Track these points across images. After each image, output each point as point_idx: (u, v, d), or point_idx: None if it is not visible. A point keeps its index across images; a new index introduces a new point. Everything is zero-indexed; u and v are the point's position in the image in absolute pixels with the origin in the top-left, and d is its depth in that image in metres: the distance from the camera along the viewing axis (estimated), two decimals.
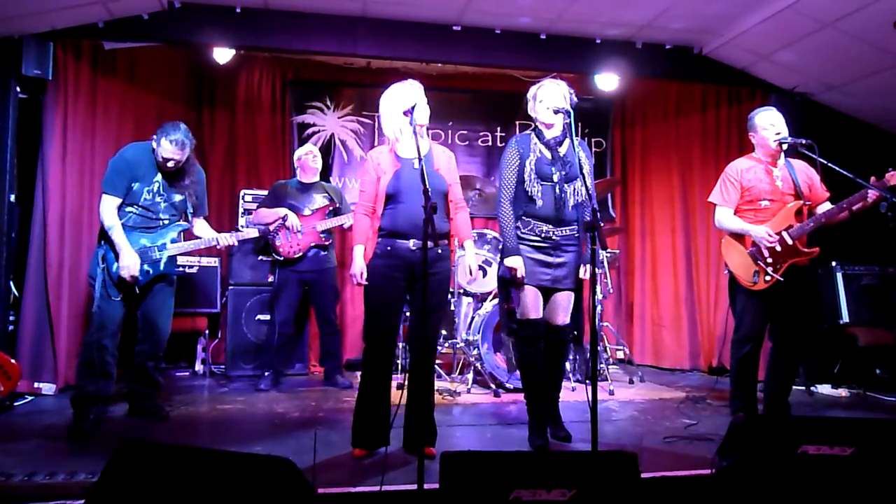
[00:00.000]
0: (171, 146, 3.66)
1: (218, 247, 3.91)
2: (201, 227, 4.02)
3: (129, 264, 3.60)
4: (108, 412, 3.74)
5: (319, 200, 5.01)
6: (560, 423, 3.46)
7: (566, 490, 1.90)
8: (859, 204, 3.44)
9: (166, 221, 3.80)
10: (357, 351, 5.90)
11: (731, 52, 5.21)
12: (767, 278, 3.58)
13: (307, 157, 5.09)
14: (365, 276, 3.11)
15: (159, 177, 3.76)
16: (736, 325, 3.77)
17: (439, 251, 3.14)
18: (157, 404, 3.93)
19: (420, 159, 2.89)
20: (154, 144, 3.71)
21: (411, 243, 3.08)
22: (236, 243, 3.96)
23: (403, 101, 3.15)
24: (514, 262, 3.28)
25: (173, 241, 3.80)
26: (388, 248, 3.10)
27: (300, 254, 4.86)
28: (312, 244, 4.89)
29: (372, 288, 3.12)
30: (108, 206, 3.66)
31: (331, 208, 5.00)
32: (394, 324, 3.16)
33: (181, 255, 4.16)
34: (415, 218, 3.05)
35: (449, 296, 5.33)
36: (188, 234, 3.99)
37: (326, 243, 4.97)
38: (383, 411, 3.16)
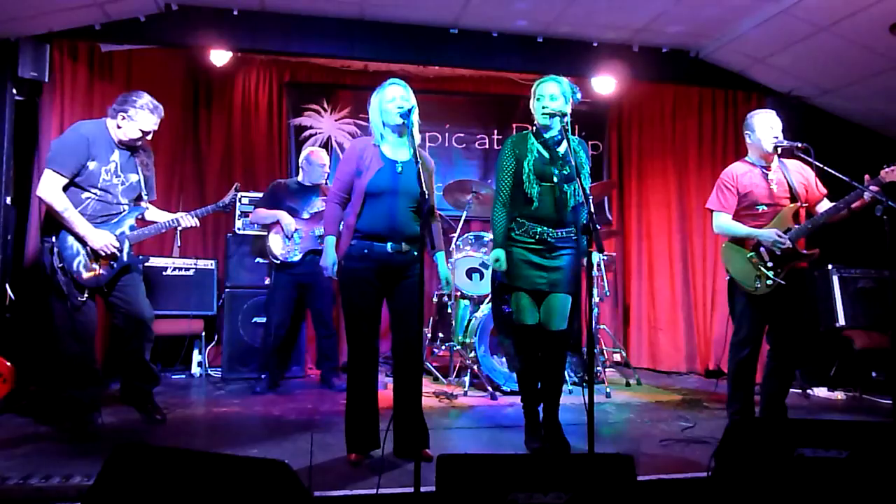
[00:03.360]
0: (152, 116, 3.46)
1: (179, 228, 3.73)
2: (153, 211, 3.77)
3: (103, 241, 3.37)
4: (102, 415, 3.73)
5: (318, 204, 5.00)
6: (559, 433, 3.31)
7: (562, 493, 1.90)
8: (857, 202, 3.43)
9: (125, 208, 3.55)
10: None
11: (727, 56, 5.22)
12: (770, 283, 3.54)
13: (319, 168, 4.99)
14: (336, 269, 3.09)
15: (116, 155, 3.48)
16: (735, 328, 3.75)
17: (414, 253, 3.13)
18: (156, 406, 3.86)
19: (417, 162, 2.89)
20: (120, 122, 3.44)
21: (388, 246, 3.07)
22: (197, 223, 3.76)
23: (397, 103, 3.13)
24: (497, 253, 3.27)
25: (132, 229, 3.56)
26: (366, 250, 3.07)
27: (297, 257, 4.86)
28: (310, 248, 4.88)
29: (349, 292, 3.10)
30: (55, 186, 3.27)
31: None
32: (375, 326, 3.15)
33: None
34: (392, 221, 3.06)
35: (446, 298, 5.37)
36: (141, 221, 3.74)
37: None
38: (372, 414, 3.15)
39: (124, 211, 3.57)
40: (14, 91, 4.48)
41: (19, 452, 3.16)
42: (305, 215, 4.92)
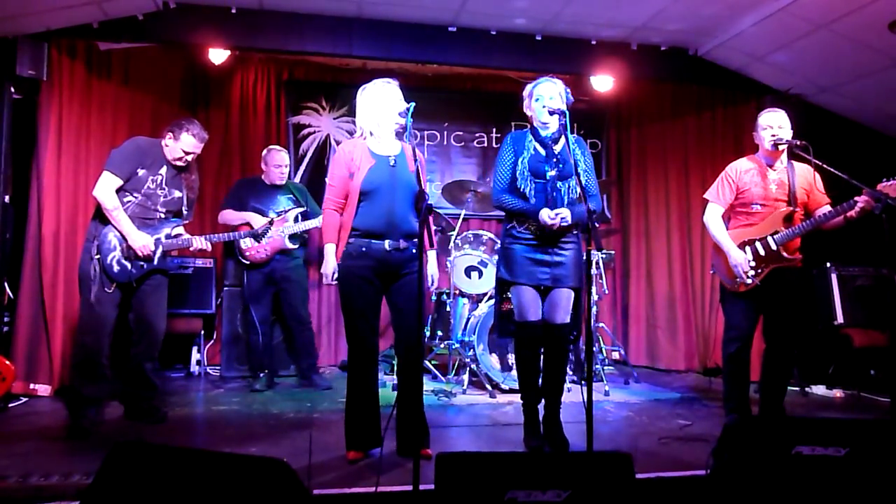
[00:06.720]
0: (193, 140, 3.75)
1: (191, 248, 3.88)
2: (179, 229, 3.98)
3: (142, 242, 3.64)
4: (103, 413, 3.73)
5: (284, 202, 4.96)
6: (559, 431, 3.32)
7: (561, 491, 1.90)
8: (852, 211, 3.44)
9: (162, 216, 3.80)
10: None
11: (726, 54, 5.22)
12: (749, 282, 3.64)
13: (276, 170, 4.95)
14: (336, 276, 3.07)
15: (164, 170, 3.78)
16: (725, 326, 3.85)
17: (413, 251, 3.13)
18: (154, 406, 3.89)
19: (416, 160, 2.89)
20: (168, 141, 3.75)
21: (386, 244, 3.06)
22: (209, 247, 3.92)
23: (392, 101, 3.13)
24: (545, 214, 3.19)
25: (167, 237, 3.78)
26: (363, 248, 3.06)
27: (266, 258, 4.84)
28: (279, 248, 4.86)
29: (348, 291, 3.09)
30: (109, 186, 3.62)
31: (298, 212, 4.96)
32: (374, 325, 3.14)
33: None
34: (390, 217, 3.06)
35: (444, 296, 5.36)
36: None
37: (294, 247, 4.90)
38: (373, 412, 3.15)
39: (161, 218, 3.80)
40: (12, 89, 4.48)
41: (18, 450, 3.17)
42: (272, 215, 4.88)
